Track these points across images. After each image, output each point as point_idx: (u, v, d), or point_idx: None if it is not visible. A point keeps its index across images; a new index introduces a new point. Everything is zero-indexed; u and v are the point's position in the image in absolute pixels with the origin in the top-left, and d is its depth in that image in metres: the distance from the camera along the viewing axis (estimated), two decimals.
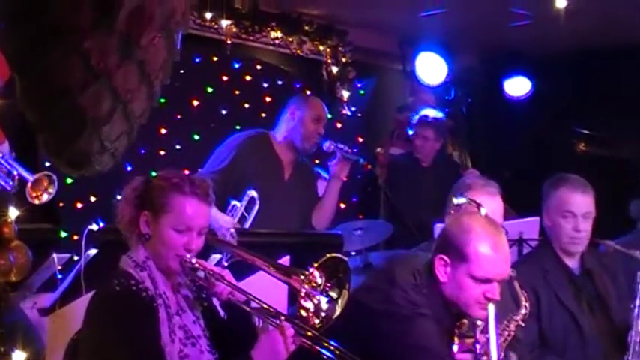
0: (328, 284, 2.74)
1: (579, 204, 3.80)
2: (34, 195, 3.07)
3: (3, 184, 3.03)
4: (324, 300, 2.72)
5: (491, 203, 3.48)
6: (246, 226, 4.62)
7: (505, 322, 3.30)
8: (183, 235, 2.72)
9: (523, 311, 3.33)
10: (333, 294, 2.74)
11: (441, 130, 6.06)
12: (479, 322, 2.82)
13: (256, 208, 4.63)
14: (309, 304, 2.70)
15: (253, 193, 4.64)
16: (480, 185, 3.51)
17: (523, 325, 3.33)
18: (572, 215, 3.80)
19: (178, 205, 2.72)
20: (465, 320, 2.86)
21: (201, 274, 2.78)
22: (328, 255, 2.75)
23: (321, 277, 2.72)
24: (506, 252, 2.89)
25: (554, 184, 3.89)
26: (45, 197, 3.09)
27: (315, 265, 2.71)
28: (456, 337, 2.83)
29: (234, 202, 4.64)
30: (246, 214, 4.63)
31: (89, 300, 2.74)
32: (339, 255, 2.80)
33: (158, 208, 2.73)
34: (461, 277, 2.84)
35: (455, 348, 2.83)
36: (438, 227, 4.66)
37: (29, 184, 3.02)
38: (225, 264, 3.01)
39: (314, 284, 2.71)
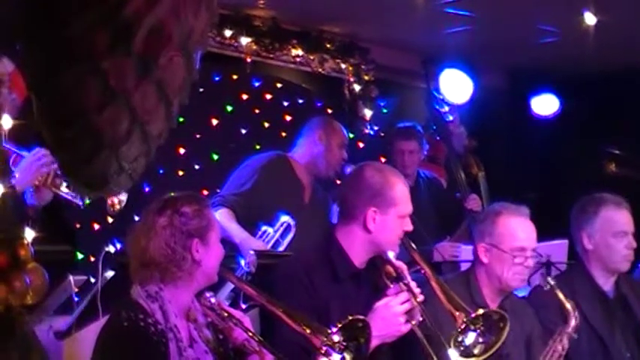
0: (344, 344, 2.76)
1: (629, 222, 3.85)
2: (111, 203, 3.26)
3: (70, 198, 3.17)
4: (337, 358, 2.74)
5: (527, 227, 3.52)
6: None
7: (558, 338, 3.33)
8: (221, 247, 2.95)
9: (573, 322, 3.36)
10: (347, 356, 2.76)
11: (422, 139, 5.79)
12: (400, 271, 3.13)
13: (291, 234, 4.58)
14: None
15: (289, 220, 4.58)
16: (512, 209, 3.52)
17: (576, 336, 3.35)
18: (625, 234, 3.82)
19: (214, 219, 2.96)
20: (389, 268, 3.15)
21: (219, 315, 2.82)
22: (354, 318, 2.81)
23: (338, 335, 2.74)
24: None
25: (593, 205, 3.87)
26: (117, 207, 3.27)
27: (339, 325, 2.74)
28: (389, 282, 3.13)
29: (265, 227, 4.58)
30: (280, 240, 4.57)
31: (99, 331, 2.77)
32: (365, 318, 2.84)
33: (204, 231, 2.87)
34: (391, 219, 3.15)
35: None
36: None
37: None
38: (243, 306, 3.04)
39: (331, 342, 2.74)
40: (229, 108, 6.34)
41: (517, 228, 3.48)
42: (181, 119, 1.84)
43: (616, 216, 3.82)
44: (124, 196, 3.34)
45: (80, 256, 5.14)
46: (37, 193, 3.43)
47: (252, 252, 3.80)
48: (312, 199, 4.93)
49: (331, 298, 3.11)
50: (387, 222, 3.13)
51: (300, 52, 6.45)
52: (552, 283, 3.48)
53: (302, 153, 4.93)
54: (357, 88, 6.82)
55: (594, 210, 3.84)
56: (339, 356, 2.74)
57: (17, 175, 3.41)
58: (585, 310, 3.76)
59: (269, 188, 4.71)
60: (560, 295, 3.45)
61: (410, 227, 3.19)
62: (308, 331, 2.75)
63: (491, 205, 3.77)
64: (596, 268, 3.85)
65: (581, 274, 3.87)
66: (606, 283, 3.86)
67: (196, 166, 6.05)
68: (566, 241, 4.54)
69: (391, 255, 3.13)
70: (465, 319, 2.98)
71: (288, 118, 6.58)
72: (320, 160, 4.88)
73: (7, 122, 3.27)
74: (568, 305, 3.44)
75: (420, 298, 3.03)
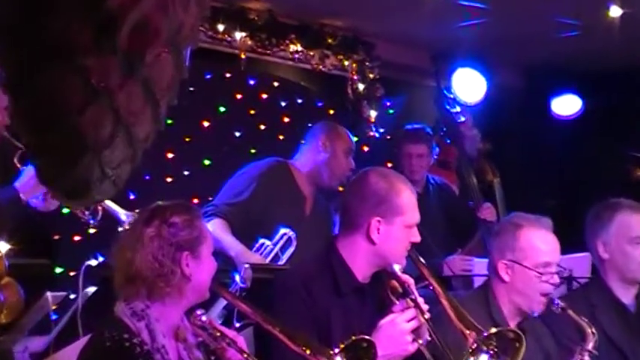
0: None
1: None
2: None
3: (80, 214, 3.27)
4: None
5: (550, 240, 3.53)
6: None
7: (579, 357, 3.34)
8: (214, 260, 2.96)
9: (592, 339, 3.39)
10: None
11: (432, 142, 5.84)
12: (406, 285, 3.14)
13: (292, 248, 4.57)
14: None
15: (289, 232, 4.58)
16: (533, 221, 3.52)
17: (597, 353, 3.40)
18: None
19: (207, 230, 2.97)
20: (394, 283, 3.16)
21: (211, 334, 2.84)
22: (358, 337, 2.81)
23: (341, 356, 2.75)
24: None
25: (607, 210, 3.91)
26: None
27: (342, 346, 2.74)
28: (394, 298, 3.14)
29: (262, 240, 4.59)
30: (280, 254, 4.57)
31: (80, 352, 2.77)
32: (370, 338, 2.85)
33: (195, 243, 2.87)
34: (397, 229, 3.15)
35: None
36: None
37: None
38: (237, 325, 3.05)
39: None
40: (222, 109, 6.35)
41: (540, 242, 3.47)
42: (170, 121, 1.85)
43: (632, 221, 3.86)
44: None
45: (59, 269, 5.14)
46: (46, 202, 3.48)
47: (246, 266, 3.80)
48: (314, 210, 4.92)
49: (333, 312, 3.11)
50: (393, 232, 3.12)
51: (298, 47, 6.45)
52: (562, 304, 3.48)
53: (304, 161, 4.93)
54: (360, 86, 6.82)
55: (609, 216, 3.89)
56: None
57: (22, 181, 3.46)
58: (605, 325, 3.78)
59: (268, 198, 4.70)
60: (574, 315, 3.46)
61: (417, 238, 3.19)
62: (308, 352, 2.75)
63: (509, 218, 3.75)
64: (614, 278, 3.88)
65: (600, 287, 3.90)
66: (626, 295, 3.89)
67: (186, 172, 6.05)
68: (588, 255, 4.55)
69: (397, 268, 3.13)
70: (476, 339, 2.98)
71: (286, 119, 6.59)
72: (323, 169, 4.87)
73: None
74: (584, 324, 3.45)
75: (428, 315, 3.03)
